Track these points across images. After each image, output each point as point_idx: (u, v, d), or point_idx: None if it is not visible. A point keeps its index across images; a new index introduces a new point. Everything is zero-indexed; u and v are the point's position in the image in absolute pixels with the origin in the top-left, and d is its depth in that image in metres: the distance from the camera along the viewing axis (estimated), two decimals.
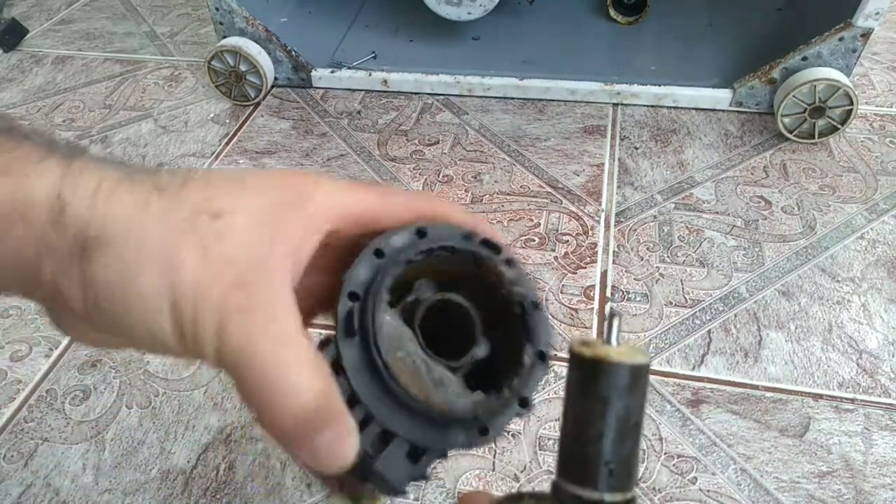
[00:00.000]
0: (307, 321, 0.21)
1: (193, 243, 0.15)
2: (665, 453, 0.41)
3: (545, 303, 0.51)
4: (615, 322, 0.14)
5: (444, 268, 0.20)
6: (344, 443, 0.16)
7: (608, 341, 0.14)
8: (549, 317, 0.50)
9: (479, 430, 0.18)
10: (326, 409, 0.16)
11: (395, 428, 0.17)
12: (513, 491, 0.18)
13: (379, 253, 0.19)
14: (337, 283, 0.18)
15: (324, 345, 0.18)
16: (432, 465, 0.18)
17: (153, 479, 0.41)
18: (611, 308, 0.14)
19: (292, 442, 0.16)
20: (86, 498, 0.41)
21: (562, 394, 0.45)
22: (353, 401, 0.17)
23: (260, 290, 0.15)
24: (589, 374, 0.14)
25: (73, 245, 0.15)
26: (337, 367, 0.17)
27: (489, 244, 0.20)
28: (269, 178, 0.18)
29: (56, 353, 0.50)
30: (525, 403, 0.19)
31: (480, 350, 0.19)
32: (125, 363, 0.49)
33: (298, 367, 0.15)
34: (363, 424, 0.17)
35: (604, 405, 0.13)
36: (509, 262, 0.20)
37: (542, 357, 0.19)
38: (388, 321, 0.18)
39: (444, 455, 0.18)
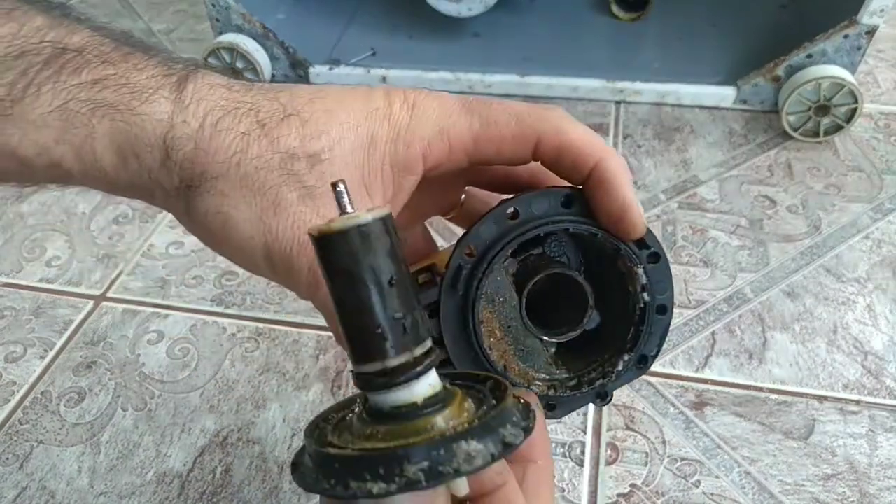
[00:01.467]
0: (414, 224, 0.21)
1: (289, 188, 0.16)
2: (668, 456, 0.41)
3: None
4: (342, 191, 0.13)
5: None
6: None
7: (341, 213, 0.13)
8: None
9: (548, 408, 0.19)
10: None
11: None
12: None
13: (514, 215, 0.18)
14: (445, 195, 0.19)
15: (430, 283, 0.18)
16: None
17: (149, 483, 0.41)
18: (335, 182, 0.13)
19: None
20: (81, 501, 0.40)
21: None
22: (438, 343, 0.17)
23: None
24: (324, 250, 0.13)
25: (179, 182, 0.17)
26: (434, 310, 0.17)
27: (639, 240, 0.18)
28: (368, 106, 0.17)
29: (51, 354, 0.49)
30: (603, 397, 0.19)
31: (587, 327, 0.19)
32: (120, 365, 0.48)
33: None
34: (441, 365, 0.17)
35: (350, 277, 0.13)
36: (652, 258, 0.19)
37: (642, 362, 0.19)
38: (498, 281, 0.18)
39: None
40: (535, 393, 0.18)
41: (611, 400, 0.19)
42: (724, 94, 0.68)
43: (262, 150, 0.16)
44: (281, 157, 0.16)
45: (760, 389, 0.45)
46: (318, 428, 0.15)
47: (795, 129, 0.64)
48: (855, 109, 0.62)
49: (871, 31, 0.60)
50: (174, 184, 0.17)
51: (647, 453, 0.41)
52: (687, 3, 0.81)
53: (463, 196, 0.22)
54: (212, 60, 0.71)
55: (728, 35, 0.76)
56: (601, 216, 0.18)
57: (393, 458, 0.12)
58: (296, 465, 0.14)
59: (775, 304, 0.50)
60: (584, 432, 0.42)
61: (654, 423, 0.43)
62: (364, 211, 0.13)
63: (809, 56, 0.63)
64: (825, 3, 0.68)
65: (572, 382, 0.19)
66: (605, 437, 0.42)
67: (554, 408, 0.19)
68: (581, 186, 0.18)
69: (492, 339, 0.18)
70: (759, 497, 0.39)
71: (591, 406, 0.44)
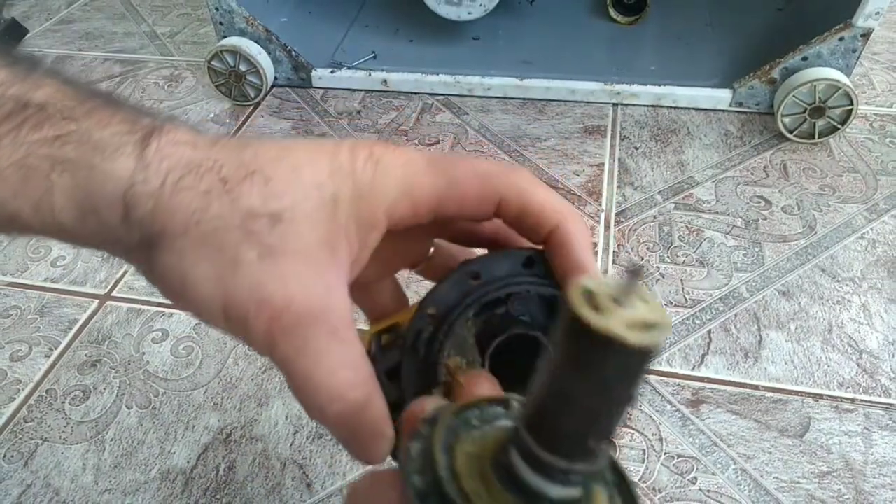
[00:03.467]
0: (385, 274, 0.22)
1: (250, 247, 0.16)
2: (665, 453, 0.41)
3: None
4: (637, 283, 0.10)
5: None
6: (377, 446, 0.17)
7: (620, 300, 0.10)
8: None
9: None
10: (362, 416, 0.16)
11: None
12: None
13: (476, 276, 0.17)
14: (410, 248, 0.18)
15: (392, 340, 0.18)
16: None
17: (153, 480, 0.41)
18: (636, 263, 0.11)
19: (335, 436, 0.17)
20: (86, 498, 0.41)
21: None
22: (400, 406, 0.17)
23: (312, 304, 0.16)
24: (590, 347, 0.10)
25: (139, 239, 0.17)
26: (395, 373, 0.17)
27: None
28: (331, 165, 0.17)
29: (56, 353, 0.50)
30: None
31: None
32: (125, 363, 0.49)
33: (337, 378, 0.16)
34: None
35: (601, 387, 0.11)
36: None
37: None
38: (460, 338, 0.18)
39: None
40: None
41: None
42: (720, 97, 0.68)
43: (222, 208, 0.16)
44: (241, 215, 0.16)
45: (756, 388, 0.45)
46: (445, 444, 0.13)
47: (791, 131, 0.65)
48: (850, 111, 0.62)
49: (866, 34, 0.61)
50: (134, 241, 0.16)
51: (643, 450, 0.42)
52: (683, 7, 0.82)
53: (431, 249, 0.22)
54: (215, 63, 0.72)
55: (724, 38, 0.77)
56: (559, 276, 0.18)
57: None
58: (424, 497, 0.13)
59: (771, 303, 0.51)
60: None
61: (651, 421, 0.43)
62: (654, 314, 0.10)
63: (805, 58, 0.63)
64: (820, 5, 0.68)
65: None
66: None
67: None
68: (533, 249, 0.19)
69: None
70: (755, 494, 0.39)
71: None
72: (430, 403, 0.18)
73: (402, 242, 0.19)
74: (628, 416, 0.12)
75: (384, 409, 0.17)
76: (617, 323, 0.10)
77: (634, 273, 0.10)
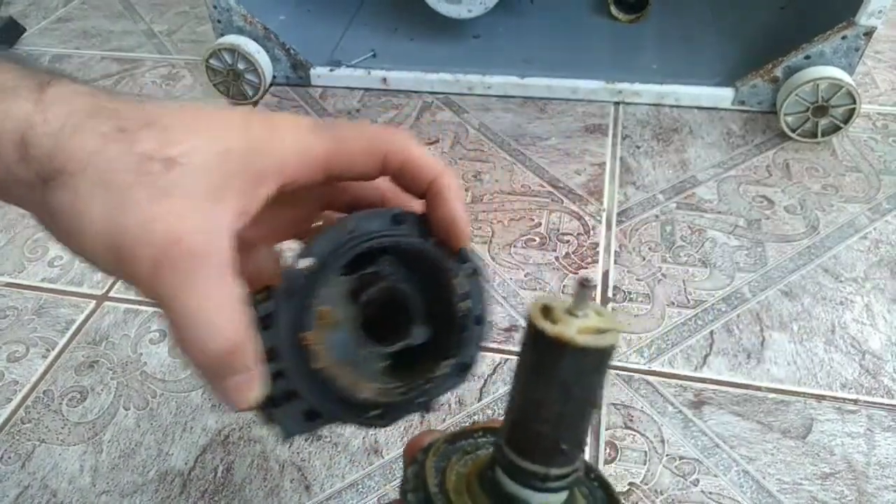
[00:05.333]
0: (275, 240, 0.22)
1: (143, 188, 0.16)
2: (667, 455, 0.41)
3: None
4: (586, 293, 0.11)
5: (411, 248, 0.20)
6: (248, 389, 0.18)
7: (574, 311, 0.11)
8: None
9: (377, 415, 0.20)
10: (238, 357, 0.17)
11: (300, 389, 0.18)
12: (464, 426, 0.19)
13: (350, 231, 0.19)
14: (300, 217, 0.19)
15: (267, 297, 0.19)
16: (325, 426, 0.20)
17: (151, 481, 0.41)
18: (583, 276, 0.11)
19: (206, 379, 0.17)
20: (83, 500, 0.40)
21: None
22: (273, 354, 0.18)
23: (199, 243, 0.16)
24: (548, 353, 0.11)
25: (35, 178, 0.17)
26: (269, 321, 0.18)
27: (461, 253, 0.20)
28: (227, 122, 0.18)
29: (53, 353, 0.49)
30: (427, 407, 0.20)
31: (414, 338, 0.20)
32: (122, 364, 0.48)
33: (220, 315, 0.17)
34: (276, 376, 0.18)
35: (563, 390, 0.12)
36: (471, 272, 0.20)
37: (462, 369, 0.20)
38: (333, 293, 0.19)
39: (341, 422, 0.20)
40: (366, 398, 0.19)
41: (433, 409, 0.20)
42: (722, 95, 0.68)
43: (119, 151, 0.17)
44: (137, 159, 0.17)
45: (758, 389, 0.45)
46: (436, 469, 0.16)
47: (793, 130, 0.64)
48: (853, 110, 0.62)
49: (869, 33, 0.60)
50: (30, 178, 0.17)
51: (645, 452, 0.42)
52: (685, 5, 0.81)
53: (319, 222, 0.23)
54: (213, 62, 0.71)
55: (726, 36, 0.76)
56: (434, 226, 0.20)
57: None
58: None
59: (773, 303, 0.50)
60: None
61: (653, 422, 0.43)
62: (605, 321, 0.11)
63: (807, 57, 0.63)
64: (823, 4, 0.68)
65: (401, 390, 0.20)
66: (604, 435, 0.42)
67: (383, 416, 0.20)
68: (403, 208, 0.20)
69: (325, 350, 0.19)
70: (758, 496, 0.39)
71: None
72: (428, 437, 0.19)
73: (291, 208, 0.21)
74: (594, 420, 0.13)
75: (258, 353, 0.18)
76: (569, 329, 0.11)
77: (583, 285, 0.12)
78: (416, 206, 0.21)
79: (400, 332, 0.20)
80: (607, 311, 0.13)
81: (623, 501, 0.15)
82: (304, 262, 0.18)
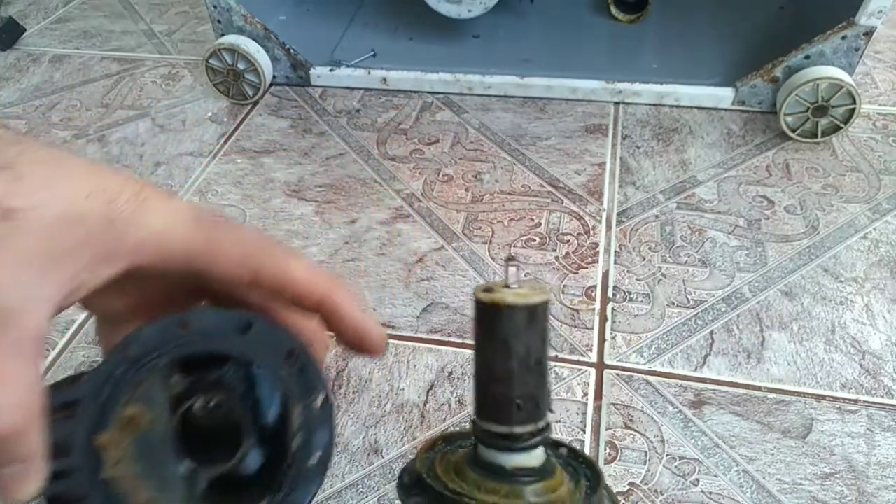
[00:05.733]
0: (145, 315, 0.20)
1: None
2: (667, 455, 0.41)
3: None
4: (512, 269, 0.14)
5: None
6: (19, 482, 0.15)
7: (507, 285, 0.15)
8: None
9: None
10: (17, 444, 0.15)
11: (85, 496, 0.16)
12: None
13: (184, 325, 0.17)
14: (180, 296, 0.17)
15: (75, 379, 0.16)
16: None
17: None
18: (509, 254, 0.14)
19: None
20: None
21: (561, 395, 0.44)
22: (64, 449, 0.16)
23: (14, 302, 0.15)
24: (488, 317, 0.14)
25: None
26: (71, 411, 0.16)
27: (310, 377, 0.17)
28: (95, 185, 0.16)
29: (53, 354, 0.49)
30: None
31: (240, 465, 0.18)
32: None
33: (7, 394, 0.15)
34: (63, 475, 0.16)
35: (505, 346, 0.14)
36: (323, 403, 0.18)
37: None
38: (155, 394, 0.17)
39: None
40: None
41: None
42: (722, 95, 0.68)
43: None
44: None
45: (758, 389, 0.45)
46: (428, 459, 0.16)
47: (793, 130, 0.64)
48: (853, 110, 0.62)
49: (868, 33, 0.60)
50: None
51: (645, 452, 0.41)
52: (685, 5, 0.81)
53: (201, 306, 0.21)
54: (213, 62, 0.71)
55: (726, 36, 0.76)
56: (345, 343, 0.19)
57: None
58: (408, 488, 0.15)
59: (773, 303, 0.50)
60: (584, 431, 0.43)
61: (653, 422, 0.43)
62: (534, 292, 0.14)
63: (807, 57, 0.63)
64: (823, 4, 0.68)
65: None
66: (604, 435, 0.42)
67: None
68: (259, 315, 0.18)
69: (124, 458, 0.16)
70: (758, 495, 0.39)
71: (590, 404, 0.44)
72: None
73: (159, 291, 0.19)
74: (550, 384, 0.15)
75: (40, 444, 0.15)
76: (502, 295, 0.14)
77: (510, 261, 0.15)
78: (308, 325, 0.18)
79: (228, 454, 0.18)
80: (536, 283, 0.15)
81: (605, 478, 0.16)
82: (127, 352, 0.16)
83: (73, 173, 0.16)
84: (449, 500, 0.15)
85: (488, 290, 0.15)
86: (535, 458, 0.15)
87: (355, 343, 0.18)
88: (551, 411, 0.16)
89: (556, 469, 0.16)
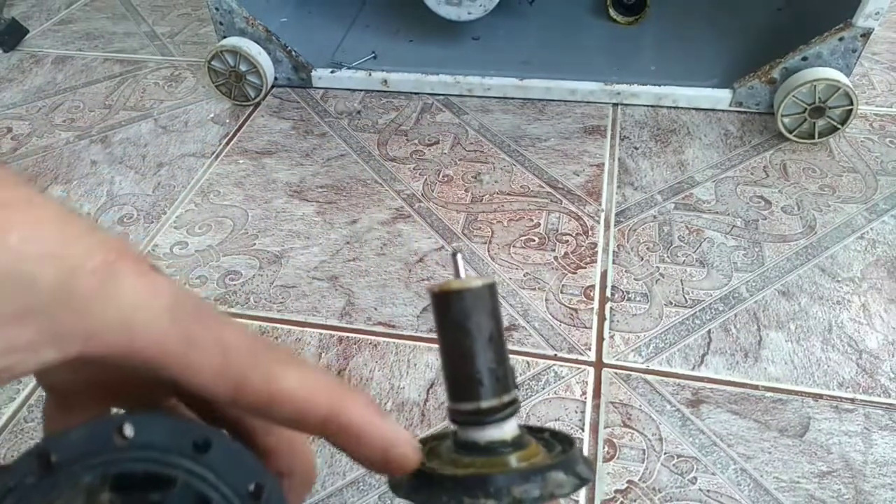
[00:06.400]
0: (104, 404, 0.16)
1: None
2: (665, 453, 0.41)
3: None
4: (458, 260, 0.16)
5: None
6: None
7: (456, 277, 0.16)
8: (549, 319, 0.50)
9: None
10: None
11: None
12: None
13: (122, 433, 0.13)
14: (130, 398, 0.14)
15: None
16: None
17: None
18: (453, 248, 0.15)
19: None
20: None
21: (554, 394, 0.45)
22: None
23: None
24: (442, 306, 0.15)
25: None
26: None
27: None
28: (49, 242, 0.12)
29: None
30: None
31: None
32: None
33: None
34: None
35: (459, 329, 0.15)
36: None
37: None
38: None
39: None
40: None
41: None
42: (719, 97, 0.68)
43: None
44: None
45: (756, 387, 0.45)
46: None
47: (791, 131, 0.65)
48: (850, 111, 0.63)
49: (866, 34, 0.61)
50: None
51: (643, 450, 0.42)
52: (683, 7, 0.82)
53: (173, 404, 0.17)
54: (215, 64, 0.72)
55: (724, 38, 0.77)
56: (366, 464, 0.15)
57: (503, 480, 0.14)
58: (397, 486, 0.16)
59: (770, 303, 0.51)
60: (582, 429, 0.43)
61: (651, 421, 0.43)
62: (475, 278, 0.15)
63: (805, 58, 0.63)
64: (820, 5, 0.68)
65: None
66: (602, 434, 0.43)
67: None
68: (223, 431, 0.14)
69: None
70: (755, 494, 0.39)
71: (589, 403, 0.44)
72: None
73: (120, 382, 0.15)
74: (508, 361, 0.16)
75: None
76: (449, 285, 0.15)
77: (454, 254, 0.16)
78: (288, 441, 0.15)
79: None
80: (486, 276, 0.17)
81: (577, 449, 0.16)
82: (42, 459, 0.13)
83: (32, 221, 0.12)
84: (423, 476, 0.15)
85: (442, 285, 0.16)
86: (507, 431, 0.16)
87: (381, 465, 0.15)
88: (516, 387, 0.16)
89: (532, 442, 0.16)
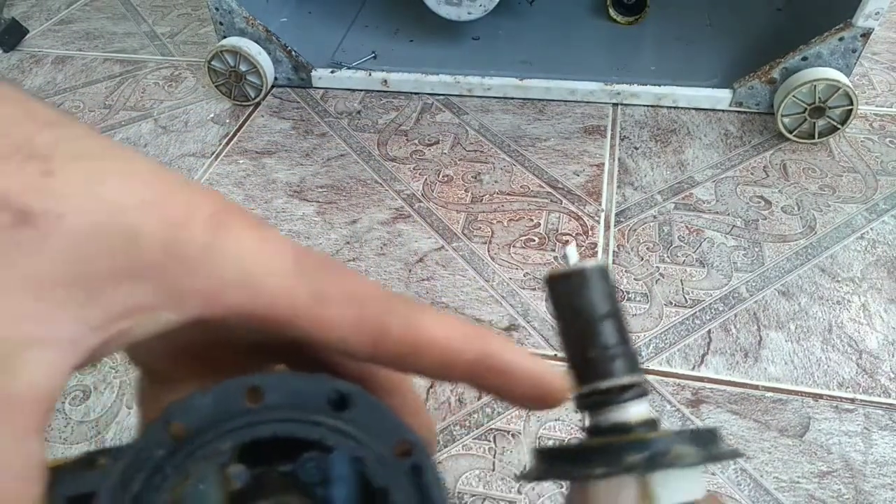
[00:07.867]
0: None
1: None
2: None
3: None
4: (570, 251, 0.15)
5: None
6: None
7: (567, 264, 0.16)
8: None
9: None
10: None
11: None
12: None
13: (255, 397, 0.12)
14: (232, 368, 0.12)
15: (92, 461, 0.12)
16: None
17: None
18: (565, 242, 0.15)
19: None
20: None
21: None
22: None
23: (5, 361, 0.10)
24: (554, 292, 0.15)
25: None
26: (87, 499, 0.12)
27: (421, 477, 0.12)
28: (148, 192, 0.11)
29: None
30: None
31: None
32: (125, 363, 0.49)
33: (8, 475, 0.10)
34: None
35: (572, 310, 0.15)
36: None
37: None
38: (203, 492, 0.12)
39: None
40: None
41: None
42: (719, 97, 0.68)
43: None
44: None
45: (756, 387, 0.45)
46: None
47: (790, 131, 0.65)
48: (850, 111, 0.63)
49: (866, 34, 0.61)
50: None
51: None
52: (683, 7, 0.82)
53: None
54: (215, 63, 0.72)
55: (724, 38, 0.77)
56: (518, 401, 0.14)
57: (619, 448, 0.13)
58: (535, 468, 0.16)
59: (770, 303, 0.51)
60: (582, 430, 0.43)
61: None
62: (588, 261, 0.15)
63: (805, 59, 0.63)
64: (820, 5, 0.68)
65: None
66: None
67: None
68: (359, 387, 0.13)
69: None
70: (755, 494, 0.39)
71: None
72: None
73: (223, 350, 0.14)
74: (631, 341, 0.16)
75: None
76: (555, 269, 0.15)
77: (566, 244, 0.19)
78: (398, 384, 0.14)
79: None
80: (601, 260, 0.17)
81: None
82: (170, 427, 0.11)
83: (126, 172, 0.11)
84: (555, 451, 0.13)
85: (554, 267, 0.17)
86: (644, 411, 0.15)
87: (534, 399, 0.14)
88: (640, 369, 0.15)
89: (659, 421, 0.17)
